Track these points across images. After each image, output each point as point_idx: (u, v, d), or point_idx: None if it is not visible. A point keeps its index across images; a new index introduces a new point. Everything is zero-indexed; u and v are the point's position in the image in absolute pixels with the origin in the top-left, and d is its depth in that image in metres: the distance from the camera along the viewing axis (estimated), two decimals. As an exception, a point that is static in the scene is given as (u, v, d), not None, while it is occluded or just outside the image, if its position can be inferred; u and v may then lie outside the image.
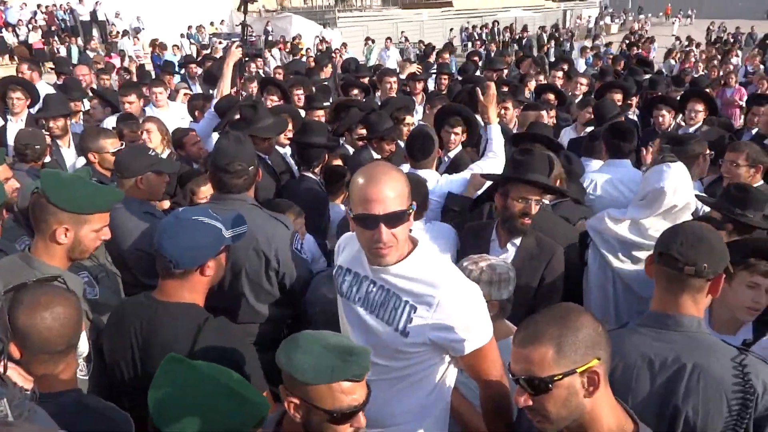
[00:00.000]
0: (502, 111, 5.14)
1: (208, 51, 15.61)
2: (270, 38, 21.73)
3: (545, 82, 7.54)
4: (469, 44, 23.66)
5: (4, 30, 19.48)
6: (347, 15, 26.79)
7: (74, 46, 18.48)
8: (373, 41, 19.74)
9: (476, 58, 10.71)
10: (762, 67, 13.09)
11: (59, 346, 1.62)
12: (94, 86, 7.85)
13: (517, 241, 2.74)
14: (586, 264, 3.18)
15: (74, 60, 14.96)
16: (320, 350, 1.46)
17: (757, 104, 5.47)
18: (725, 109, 7.98)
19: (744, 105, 7.99)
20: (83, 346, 1.89)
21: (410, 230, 1.80)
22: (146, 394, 1.56)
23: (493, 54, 15.86)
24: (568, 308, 1.36)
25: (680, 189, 2.88)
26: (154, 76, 9.41)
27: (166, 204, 3.99)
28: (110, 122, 5.47)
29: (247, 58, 5.14)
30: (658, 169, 2.97)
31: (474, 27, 26.73)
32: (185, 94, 7.11)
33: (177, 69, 9.91)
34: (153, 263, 2.72)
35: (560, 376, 1.27)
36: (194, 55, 15.17)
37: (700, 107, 5.37)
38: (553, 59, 13.74)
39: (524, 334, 1.34)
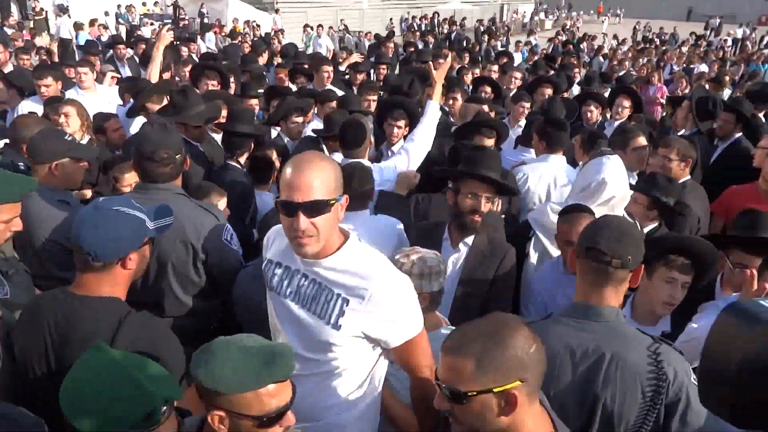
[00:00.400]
0: (451, 101, 5.18)
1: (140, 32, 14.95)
2: (206, 21, 21.03)
3: (479, 75, 7.68)
4: (409, 35, 23.78)
5: None
6: (286, 1, 26.27)
7: (-11, 23, 17.23)
8: (312, 28, 19.49)
9: (412, 49, 10.78)
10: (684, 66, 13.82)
11: None
12: (12, 65, 7.33)
13: (469, 240, 2.73)
14: (527, 256, 3.25)
15: (-11, 37, 13.95)
16: (240, 356, 1.40)
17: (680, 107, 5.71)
18: (648, 106, 8.36)
19: (664, 103, 8.40)
20: None
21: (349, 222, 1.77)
22: None
23: (431, 45, 16.02)
24: (503, 323, 1.31)
25: (619, 180, 3.01)
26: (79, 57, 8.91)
27: (89, 193, 3.79)
28: (26, 107, 5.13)
29: (178, 42, 4.90)
30: (597, 161, 3.08)
31: (414, 17, 26.86)
32: (113, 77, 6.78)
33: (102, 49, 9.42)
34: (69, 255, 2.58)
35: (475, 393, 1.25)
36: (123, 36, 14.48)
37: (626, 103, 5.62)
38: (489, 53, 13.99)
39: (451, 342, 1.32)
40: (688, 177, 3.71)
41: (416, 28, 24.05)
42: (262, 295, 2.11)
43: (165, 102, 4.12)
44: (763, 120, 5.38)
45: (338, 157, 3.60)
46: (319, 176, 1.63)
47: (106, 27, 17.78)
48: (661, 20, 33.25)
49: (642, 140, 3.93)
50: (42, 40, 12.99)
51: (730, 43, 24.97)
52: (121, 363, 1.46)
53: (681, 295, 2.36)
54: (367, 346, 1.80)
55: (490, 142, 3.82)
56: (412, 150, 3.51)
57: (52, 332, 1.85)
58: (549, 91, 6.26)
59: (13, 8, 19.82)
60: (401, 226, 2.96)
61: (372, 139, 3.74)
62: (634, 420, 1.67)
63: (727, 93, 8.80)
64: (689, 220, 3.35)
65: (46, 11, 19.45)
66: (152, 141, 2.47)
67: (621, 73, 10.26)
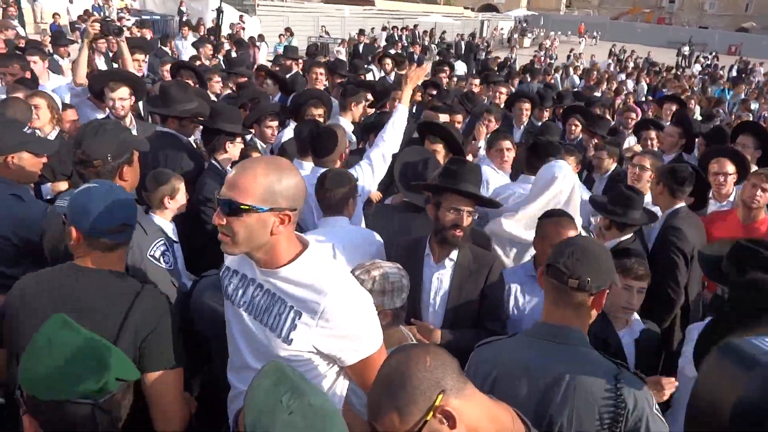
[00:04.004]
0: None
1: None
2: (185, 19, 20.76)
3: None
4: (391, 46, 23.84)
5: None
6: (267, 3, 26.13)
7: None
8: (292, 33, 19.45)
9: (397, 59, 10.76)
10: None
11: None
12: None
13: (454, 256, 2.65)
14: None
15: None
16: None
17: (645, 129, 5.75)
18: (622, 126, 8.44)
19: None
20: None
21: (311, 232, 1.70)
22: None
23: (416, 56, 16.14)
24: (395, 365, 1.30)
25: (568, 178, 3.12)
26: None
27: (64, 185, 3.68)
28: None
29: (107, 33, 4.74)
30: (548, 165, 3.22)
31: (395, 28, 26.98)
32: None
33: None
34: (17, 252, 2.45)
35: (417, 430, 1.24)
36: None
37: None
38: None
39: (368, 410, 1.33)
40: (682, 204, 3.61)
41: (397, 39, 24.16)
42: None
43: (126, 89, 4.03)
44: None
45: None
46: (247, 179, 1.56)
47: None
48: (635, 44, 34.09)
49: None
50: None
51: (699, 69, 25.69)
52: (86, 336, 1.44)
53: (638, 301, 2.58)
54: (323, 363, 1.72)
55: (435, 147, 3.78)
56: (373, 155, 3.43)
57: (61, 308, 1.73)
58: (527, 106, 6.31)
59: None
60: (380, 240, 2.89)
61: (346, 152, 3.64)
62: (592, 446, 1.64)
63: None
64: (681, 245, 3.32)
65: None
66: (76, 140, 2.36)
67: (596, 94, 10.42)
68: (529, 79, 11.14)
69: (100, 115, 4.31)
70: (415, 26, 27.69)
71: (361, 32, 20.56)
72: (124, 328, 1.75)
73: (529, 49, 31.55)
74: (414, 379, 1.24)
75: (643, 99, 12.76)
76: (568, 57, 22.58)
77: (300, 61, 9.23)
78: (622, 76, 16.95)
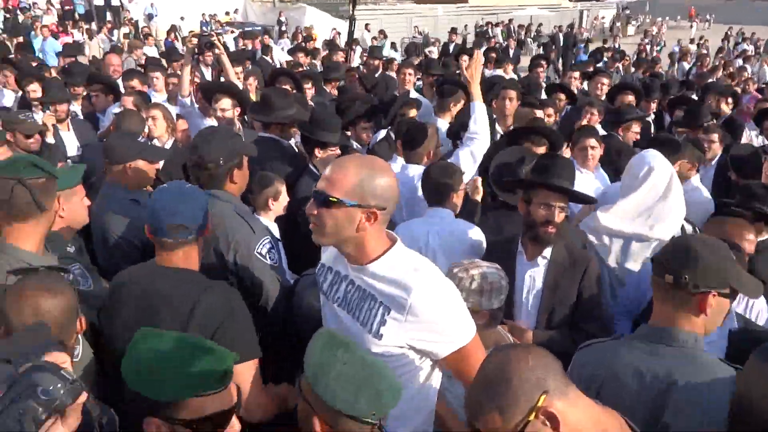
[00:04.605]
0: (507, 102, 5.03)
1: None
2: (283, 29, 21.70)
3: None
4: (484, 41, 23.56)
5: (18, 12, 19.57)
6: (362, 8, 26.64)
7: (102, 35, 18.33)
8: (385, 36, 19.75)
9: (494, 54, 10.55)
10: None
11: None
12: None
13: (547, 253, 2.58)
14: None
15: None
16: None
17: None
18: (741, 116, 7.79)
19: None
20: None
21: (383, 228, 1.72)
22: None
23: (512, 51, 15.80)
24: (496, 364, 1.27)
25: (664, 166, 2.97)
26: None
27: None
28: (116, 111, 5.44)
29: (200, 48, 5.06)
30: (639, 156, 3.11)
31: (489, 24, 26.55)
32: (192, 82, 7.08)
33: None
34: (137, 252, 2.66)
35: (520, 429, 1.21)
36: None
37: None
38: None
39: (467, 409, 1.31)
40: None
41: (492, 35, 23.75)
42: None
43: (228, 100, 4.29)
44: None
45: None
46: (340, 174, 1.63)
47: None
48: (755, 26, 31.20)
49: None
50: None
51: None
52: (183, 337, 1.47)
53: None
54: (415, 357, 1.73)
55: (540, 150, 3.62)
56: (462, 153, 3.44)
57: (142, 304, 1.92)
58: (630, 98, 5.98)
59: (109, 17, 21.24)
60: (481, 237, 2.86)
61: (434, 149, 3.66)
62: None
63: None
64: None
65: (137, 20, 20.73)
66: (192, 145, 2.52)
67: (711, 80, 9.66)
68: (633, 70, 10.58)
69: (208, 123, 4.60)
70: (510, 21, 27.12)
71: (453, 31, 20.43)
72: (190, 327, 1.83)
73: (634, 38, 29.91)
74: (516, 379, 1.22)
75: (765, 85, 11.68)
76: (700, 43, 21.16)
77: (394, 62, 9.38)
78: (740, 61, 15.65)
